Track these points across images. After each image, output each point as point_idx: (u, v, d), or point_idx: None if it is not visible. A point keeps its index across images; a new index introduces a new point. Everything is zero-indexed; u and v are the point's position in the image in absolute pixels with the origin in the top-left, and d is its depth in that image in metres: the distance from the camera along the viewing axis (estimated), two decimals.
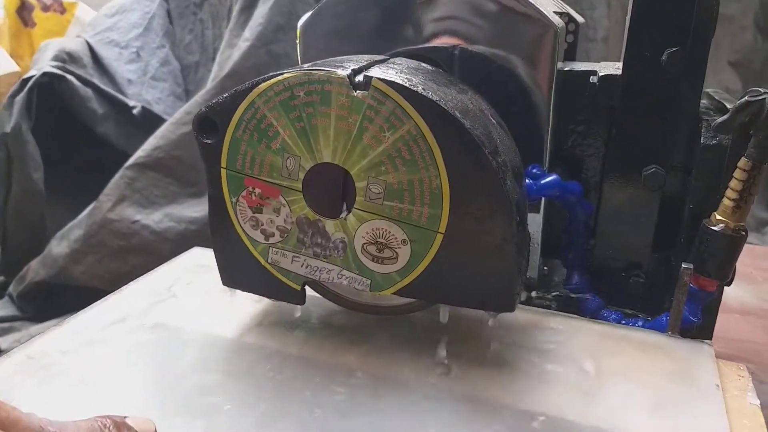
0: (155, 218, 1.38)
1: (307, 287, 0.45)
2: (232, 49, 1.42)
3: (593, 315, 0.51)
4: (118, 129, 1.56)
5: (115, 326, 0.48)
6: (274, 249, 0.43)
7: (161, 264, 0.60)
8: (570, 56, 0.58)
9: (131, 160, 1.39)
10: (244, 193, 0.42)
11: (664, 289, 0.51)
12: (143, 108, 1.57)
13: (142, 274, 0.58)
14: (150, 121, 1.54)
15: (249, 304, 0.50)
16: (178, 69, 1.71)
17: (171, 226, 1.38)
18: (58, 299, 1.42)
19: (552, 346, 0.45)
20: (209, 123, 0.41)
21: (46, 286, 1.44)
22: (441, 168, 0.37)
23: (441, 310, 0.43)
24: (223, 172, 0.42)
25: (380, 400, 0.40)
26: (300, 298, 0.44)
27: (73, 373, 0.42)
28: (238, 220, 0.43)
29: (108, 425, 0.33)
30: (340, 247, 0.42)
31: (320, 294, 0.48)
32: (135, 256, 1.38)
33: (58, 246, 1.44)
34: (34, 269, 1.47)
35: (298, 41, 0.54)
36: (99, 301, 0.51)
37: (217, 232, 0.45)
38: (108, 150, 1.54)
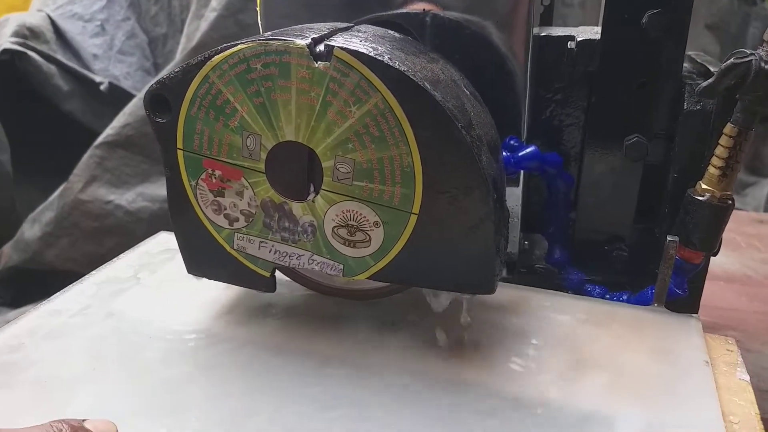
0: (128, 198, 1.35)
1: (277, 272, 0.42)
2: (200, 20, 1.37)
3: (576, 290, 0.50)
4: (85, 106, 1.51)
5: (76, 318, 0.45)
6: (240, 234, 0.41)
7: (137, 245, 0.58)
8: (547, 21, 0.56)
9: (100, 139, 1.35)
10: (203, 176, 0.40)
11: (648, 261, 0.49)
12: (111, 83, 1.51)
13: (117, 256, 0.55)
14: (118, 97, 1.49)
15: (217, 292, 0.48)
16: (145, 42, 1.65)
17: (145, 205, 1.34)
18: (34, 283, 1.39)
19: (534, 324, 0.44)
20: (161, 100, 0.38)
21: (21, 270, 1.41)
22: (412, 144, 0.35)
23: (433, 300, 0.41)
24: (180, 153, 0.40)
25: (357, 391, 0.38)
26: (270, 286, 0.42)
27: (30, 370, 0.40)
28: (199, 204, 0.41)
29: (64, 430, 0.31)
30: (310, 231, 0.39)
31: (292, 279, 0.45)
32: (110, 237, 1.35)
33: (30, 229, 1.40)
34: (7, 254, 1.43)
35: (258, 8, 0.51)
36: (59, 293, 0.49)
37: (177, 218, 0.42)
38: (75, 128, 1.49)
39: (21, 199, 1.52)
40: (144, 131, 1.33)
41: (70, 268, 1.36)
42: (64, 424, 0.31)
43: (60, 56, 1.50)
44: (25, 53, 1.43)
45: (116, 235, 1.35)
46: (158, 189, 1.35)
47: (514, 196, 0.50)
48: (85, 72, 1.51)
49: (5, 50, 1.41)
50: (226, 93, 0.37)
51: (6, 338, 0.43)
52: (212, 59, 0.36)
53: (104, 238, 1.36)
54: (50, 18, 1.57)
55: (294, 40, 0.34)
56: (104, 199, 1.35)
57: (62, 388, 0.38)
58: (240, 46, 0.35)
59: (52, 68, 1.46)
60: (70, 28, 1.57)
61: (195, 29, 1.36)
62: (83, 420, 0.32)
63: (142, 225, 1.34)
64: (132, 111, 1.34)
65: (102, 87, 1.49)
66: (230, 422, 0.35)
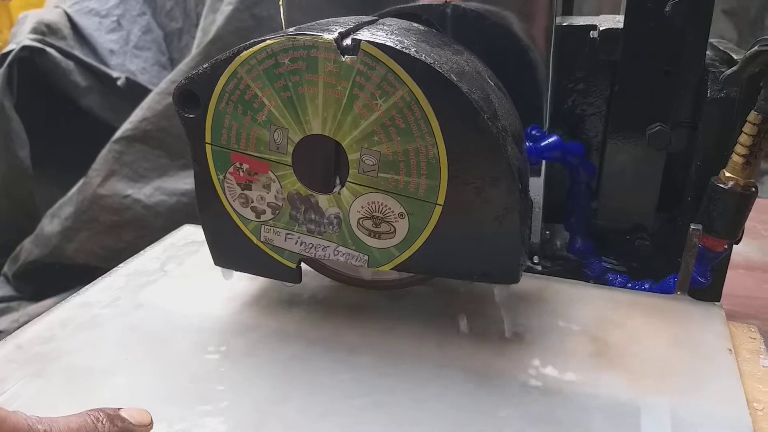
0: (146, 192, 1.36)
1: (303, 264, 0.43)
2: (216, 14, 1.37)
3: (598, 279, 0.50)
4: (103, 101, 1.53)
5: (106, 310, 0.46)
6: (266, 227, 0.41)
7: (156, 239, 0.59)
8: (567, 9, 0.56)
9: (118, 134, 1.37)
10: (231, 170, 0.40)
11: (670, 250, 0.49)
12: (127, 78, 1.53)
13: (137, 250, 0.56)
14: (135, 91, 1.50)
15: (244, 283, 0.49)
16: (161, 37, 1.66)
17: (162, 199, 1.36)
18: (54, 278, 1.41)
19: (557, 314, 0.44)
20: (190, 96, 0.39)
21: (41, 265, 1.43)
22: (437, 136, 0.35)
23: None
24: (208, 147, 0.40)
25: (383, 379, 0.38)
26: (296, 277, 0.43)
27: (63, 361, 0.41)
28: (226, 197, 0.41)
29: (101, 419, 0.32)
30: (335, 223, 0.40)
31: (317, 270, 0.46)
32: (128, 231, 1.37)
33: (50, 224, 1.42)
34: (27, 249, 1.46)
35: (281, 2, 0.51)
36: (88, 285, 0.50)
37: (205, 211, 0.43)
38: (93, 123, 1.51)
39: (40, 194, 1.54)
40: (161, 125, 1.34)
41: (90, 262, 1.38)
42: (101, 413, 0.32)
43: (77, 52, 1.51)
44: (44, 49, 1.45)
45: (134, 229, 1.37)
46: (176, 183, 1.37)
47: (535, 186, 0.50)
48: (102, 67, 1.53)
49: (24, 47, 1.43)
50: (254, 88, 0.37)
51: (39, 330, 0.44)
52: (241, 55, 0.37)
53: (123, 232, 1.38)
54: (67, 14, 1.59)
55: (321, 35, 0.35)
56: (122, 193, 1.36)
57: (95, 378, 0.39)
58: (268, 42, 0.36)
59: (69, 64, 1.48)
60: (87, 23, 1.58)
61: (211, 23, 1.37)
62: (118, 408, 0.33)
63: (159, 219, 1.36)
64: (149, 105, 1.35)
65: (119, 82, 1.50)
66: (261, 410, 0.36)
